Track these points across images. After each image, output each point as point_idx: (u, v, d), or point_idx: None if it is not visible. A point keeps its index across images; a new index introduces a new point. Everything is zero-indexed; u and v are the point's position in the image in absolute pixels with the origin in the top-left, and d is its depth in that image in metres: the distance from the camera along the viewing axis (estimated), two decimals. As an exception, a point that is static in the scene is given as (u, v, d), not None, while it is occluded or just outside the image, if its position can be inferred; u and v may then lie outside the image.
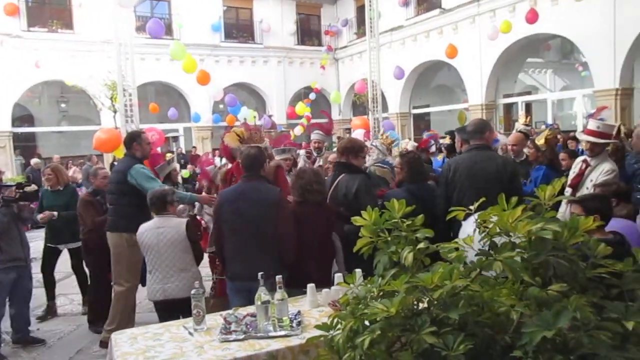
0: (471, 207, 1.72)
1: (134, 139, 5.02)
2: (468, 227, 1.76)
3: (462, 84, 16.80)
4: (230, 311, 3.15)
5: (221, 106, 17.96)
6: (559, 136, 10.61)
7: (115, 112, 14.94)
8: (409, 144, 8.26)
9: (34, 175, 13.58)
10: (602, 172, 4.37)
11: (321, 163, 6.54)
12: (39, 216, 5.64)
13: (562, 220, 1.59)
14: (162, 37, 12.62)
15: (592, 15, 12.05)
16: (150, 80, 17.89)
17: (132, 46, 8.93)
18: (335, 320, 1.67)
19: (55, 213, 5.64)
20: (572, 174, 4.69)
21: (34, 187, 5.33)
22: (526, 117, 8.20)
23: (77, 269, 6.15)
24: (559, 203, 4.34)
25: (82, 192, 11.75)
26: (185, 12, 18.93)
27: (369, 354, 1.50)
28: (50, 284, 6.06)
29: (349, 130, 17.62)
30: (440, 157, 8.13)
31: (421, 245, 1.68)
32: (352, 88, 18.29)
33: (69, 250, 6.05)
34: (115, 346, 2.85)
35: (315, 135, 7.30)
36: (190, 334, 2.95)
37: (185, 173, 13.36)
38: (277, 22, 21.24)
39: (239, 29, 21.04)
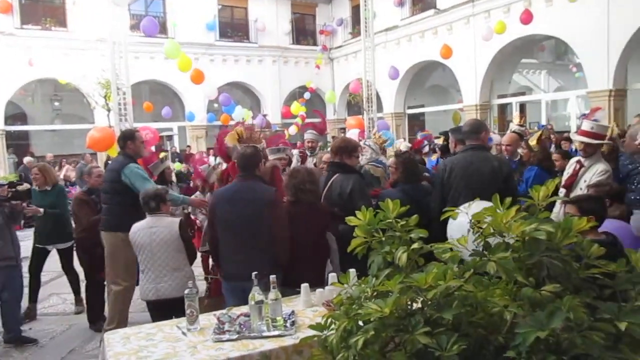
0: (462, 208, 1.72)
1: (128, 138, 5.00)
2: (457, 224, 1.76)
3: (456, 84, 16.84)
4: (223, 311, 3.14)
5: (216, 105, 17.94)
6: (552, 136, 10.67)
7: (109, 110, 14.85)
8: (403, 145, 8.27)
9: (27, 174, 13.49)
10: (595, 172, 4.38)
11: (315, 162, 6.55)
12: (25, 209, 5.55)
13: (556, 221, 1.59)
14: (156, 36, 12.58)
15: (586, 17, 12.11)
16: (145, 78, 17.84)
17: (126, 44, 8.89)
18: (329, 320, 1.67)
19: (42, 210, 5.56)
20: (566, 174, 4.70)
21: (26, 186, 5.31)
22: (520, 117, 8.23)
23: (67, 269, 6.09)
24: (553, 203, 4.37)
25: (76, 190, 11.69)
26: (179, 10, 18.88)
27: (362, 354, 1.50)
28: (34, 285, 5.91)
29: (343, 129, 17.64)
30: (434, 157, 8.14)
31: (415, 245, 1.68)
32: (347, 88, 18.32)
33: (58, 250, 5.98)
34: (108, 346, 2.84)
35: (308, 135, 7.30)
36: (184, 333, 2.94)
37: (177, 166, 13.32)
38: (272, 21, 21.21)
39: (233, 28, 21.00)
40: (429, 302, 1.52)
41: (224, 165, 5.32)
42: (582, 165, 4.55)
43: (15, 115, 19.16)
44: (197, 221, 5.96)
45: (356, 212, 1.84)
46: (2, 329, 5.14)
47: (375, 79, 13.39)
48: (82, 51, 16.68)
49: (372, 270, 1.71)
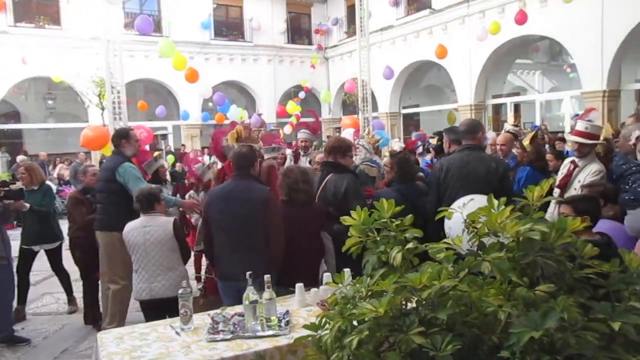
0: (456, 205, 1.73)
1: (122, 137, 4.98)
2: (455, 219, 1.76)
3: (451, 84, 16.88)
4: (217, 311, 3.13)
5: (210, 104, 17.89)
6: (546, 137, 10.71)
7: (103, 109, 14.80)
8: (396, 144, 8.27)
9: (20, 173, 13.40)
10: (589, 173, 4.40)
11: (309, 160, 6.57)
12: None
13: (550, 221, 1.60)
14: (151, 34, 12.54)
15: (580, 18, 12.17)
16: (139, 77, 17.78)
17: (120, 43, 8.84)
18: (324, 320, 1.67)
19: (27, 205, 5.46)
20: (561, 174, 4.72)
21: (19, 185, 5.26)
22: (515, 117, 8.26)
23: (57, 269, 6.04)
24: (547, 204, 4.39)
25: (69, 189, 11.64)
26: (174, 9, 18.82)
27: (357, 354, 1.49)
28: (23, 286, 5.77)
29: (338, 129, 17.64)
30: (428, 157, 8.15)
31: (410, 245, 1.68)
32: (342, 87, 18.31)
33: (46, 251, 5.92)
34: (101, 346, 2.82)
35: (301, 134, 7.33)
36: (177, 333, 2.92)
37: (170, 159, 13.29)
38: (267, 20, 21.19)
39: (228, 26, 20.96)
40: (424, 302, 1.52)
41: (219, 165, 5.31)
42: (576, 166, 4.57)
43: (9, 113, 19.06)
44: (192, 220, 5.95)
45: (351, 211, 1.83)
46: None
47: (371, 78, 13.38)
48: (76, 49, 16.61)
49: (367, 270, 1.71)
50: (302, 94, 18.15)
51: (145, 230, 3.97)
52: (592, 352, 1.32)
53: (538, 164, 5.37)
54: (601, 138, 5.03)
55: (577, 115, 11.03)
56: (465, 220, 1.64)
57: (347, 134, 8.65)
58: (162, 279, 3.94)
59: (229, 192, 3.71)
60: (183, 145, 18.97)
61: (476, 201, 1.79)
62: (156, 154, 7.79)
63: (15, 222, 8.59)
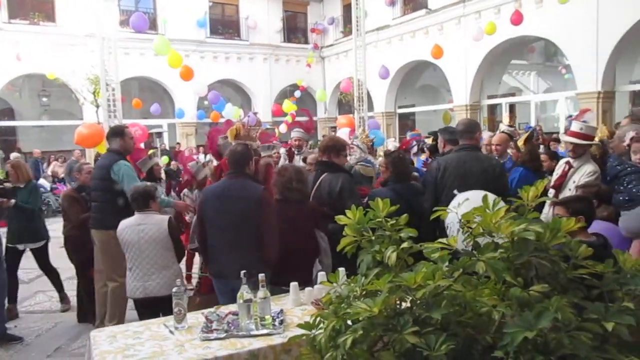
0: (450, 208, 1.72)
1: (117, 134, 4.95)
2: (451, 221, 1.76)
3: (447, 84, 16.91)
4: (211, 309, 3.12)
5: (206, 102, 17.85)
6: (540, 138, 10.74)
7: (97, 106, 14.74)
8: (391, 144, 8.28)
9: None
10: (584, 173, 4.42)
11: (303, 158, 6.60)
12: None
13: (545, 221, 1.60)
14: (146, 32, 12.48)
15: (575, 19, 12.21)
16: (134, 75, 17.69)
17: (115, 40, 8.82)
18: (318, 319, 1.66)
19: (13, 201, 5.43)
20: (556, 175, 4.74)
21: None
22: (510, 118, 8.28)
23: (44, 268, 5.98)
24: (542, 205, 4.40)
25: (63, 187, 11.57)
26: (170, 6, 18.75)
27: (351, 354, 1.49)
28: (12, 285, 5.66)
29: (334, 128, 17.64)
30: (423, 157, 8.16)
31: (405, 244, 1.68)
32: (338, 86, 18.30)
33: (32, 250, 5.86)
34: (94, 344, 2.81)
35: (295, 133, 7.38)
36: (171, 332, 2.91)
37: (165, 159, 13.25)
38: (263, 19, 21.15)
39: (224, 25, 20.90)
40: (418, 302, 1.52)
41: (215, 163, 5.31)
42: (571, 166, 4.58)
43: (3, 110, 18.94)
44: (186, 218, 5.93)
45: (346, 211, 1.83)
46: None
47: (366, 78, 13.39)
48: (71, 46, 16.52)
49: (362, 269, 1.71)
50: (297, 93, 18.13)
51: (139, 229, 3.95)
52: (585, 352, 1.32)
53: (531, 164, 5.38)
54: (596, 139, 5.05)
55: (570, 116, 11.09)
56: (460, 220, 1.64)
57: (343, 133, 8.67)
58: (157, 277, 3.92)
59: (223, 190, 3.70)
60: (178, 143, 18.91)
61: (471, 200, 1.80)
62: (151, 152, 7.78)
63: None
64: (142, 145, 8.25)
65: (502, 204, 1.58)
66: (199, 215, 3.88)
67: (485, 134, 7.29)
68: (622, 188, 3.98)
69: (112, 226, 4.49)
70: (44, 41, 16.44)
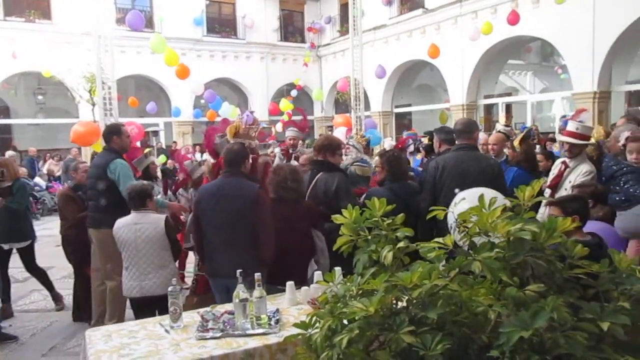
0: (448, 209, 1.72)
1: (113, 133, 4.94)
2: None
3: (443, 84, 16.93)
4: (207, 309, 3.12)
5: (202, 101, 17.81)
6: (536, 137, 10.76)
7: (93, 105, 14.67)
8: (387, 143, 8.28)
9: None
10: (580, 173, 4.42)
11: (295, 158, 6.62)
12: None
13: (541, 221, 1.60)
14: (142, 30, 12.44)
15: (572, 19, 12.25)
16: (131, 73, 17.64)
17: (112, 38, 8.76)
18: (314, 318, 1.66)
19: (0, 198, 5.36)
20: (552, 175, 4.74)
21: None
22: (507, 118, 8.29)
23: (30, 268, 5.89)
24: (539, 204, 4.40)
25: (59, 185, 11.52)
26: (166, 5, 18.70)
27: (346, 353, 1.49)
28: (3, 285, 5.62)
29: (331, 127, 17.64)
30: (419, 157, 8.16)
31: (401, 244, 1.68)
32: (335, 86, 18.28)
33: (17, 250, 5.75)
34: (89, 344, 2.80)
35: (290, 132, 7.40)
36: (167, 331, 2.91)
37: (162, 158, 13.22)
38: (260, 17, 21.12)
39: (221, 23, 20.86)
40: (414, 301, 1.52)
41: (211, 161, 5.30)
42: (567, 166, 4.59)
43: (-2, 108, 18.86)
44: (182, 217, 5.92)
45: (342, 210, 1.83)
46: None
47: (363, 77, 13.39)
48: (67, 44, 16.45)
49: (358, 269, 1.71)
50: (294, 92, 18.12)
51: (136, 228, 3.94)
52: (581, 351, 1.32)
53: (527, 164, 5.39)
54: (592, 140, 5.06)
55: (564, 116, 11.11)
56: (456, 220, 1.64)
57: (339, 132, 8.67)
58: (153, 276, 3.92)
59: (219, 188, 3.69)
60: (174, 142, 18.87)
61: (468, 199, 1.80)
62: (147, 150, 7.76)
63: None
64: (138, 144, 8.22)
65: (499, 202, 1.58)
66: (194, 214, 3.87)
67: (481, 135, 7.30)
68: (618, 188, 3.99)
69: (108, 225, 4.48)
70: (40, 39, 16.36)
